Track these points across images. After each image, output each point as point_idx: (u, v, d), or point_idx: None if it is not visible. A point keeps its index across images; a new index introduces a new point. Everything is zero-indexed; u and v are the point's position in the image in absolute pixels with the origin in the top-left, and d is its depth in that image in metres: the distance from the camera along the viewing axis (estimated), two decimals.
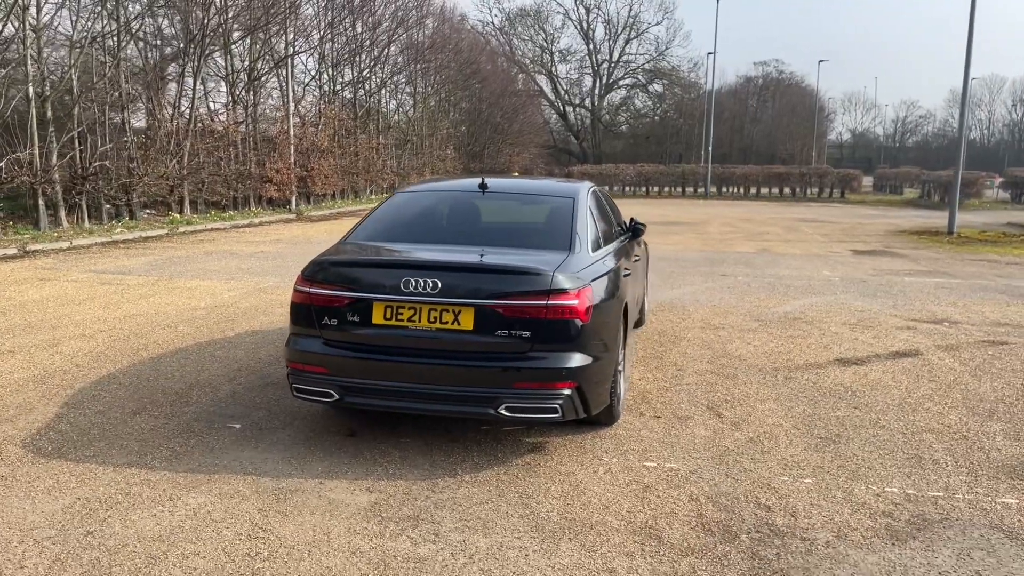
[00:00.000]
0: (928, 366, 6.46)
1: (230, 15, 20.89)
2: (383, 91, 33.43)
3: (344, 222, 20.57)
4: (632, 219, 6.62)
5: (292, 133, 23.98)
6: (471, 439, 4.58)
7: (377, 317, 4.12)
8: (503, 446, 4.50)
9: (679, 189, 43.72)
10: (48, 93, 16.12)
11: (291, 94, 24.09)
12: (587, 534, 3.47)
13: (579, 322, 4.04)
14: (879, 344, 7.24)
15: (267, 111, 25.68)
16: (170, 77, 20.26)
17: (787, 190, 42.13)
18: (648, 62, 68.61)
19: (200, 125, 20.16)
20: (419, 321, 4.07)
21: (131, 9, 18.26)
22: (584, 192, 5.33)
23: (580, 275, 4.23)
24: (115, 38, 17.82)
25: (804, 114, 67.87)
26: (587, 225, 4.90)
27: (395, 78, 34.66)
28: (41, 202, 15.55)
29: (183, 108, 19.82)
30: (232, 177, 21.44)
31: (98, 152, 16.88)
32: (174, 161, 18.60)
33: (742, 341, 7.28)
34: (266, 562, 3.16)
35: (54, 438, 4.50)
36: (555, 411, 4.04)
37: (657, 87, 69.60)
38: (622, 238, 5.93)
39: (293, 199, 24.26)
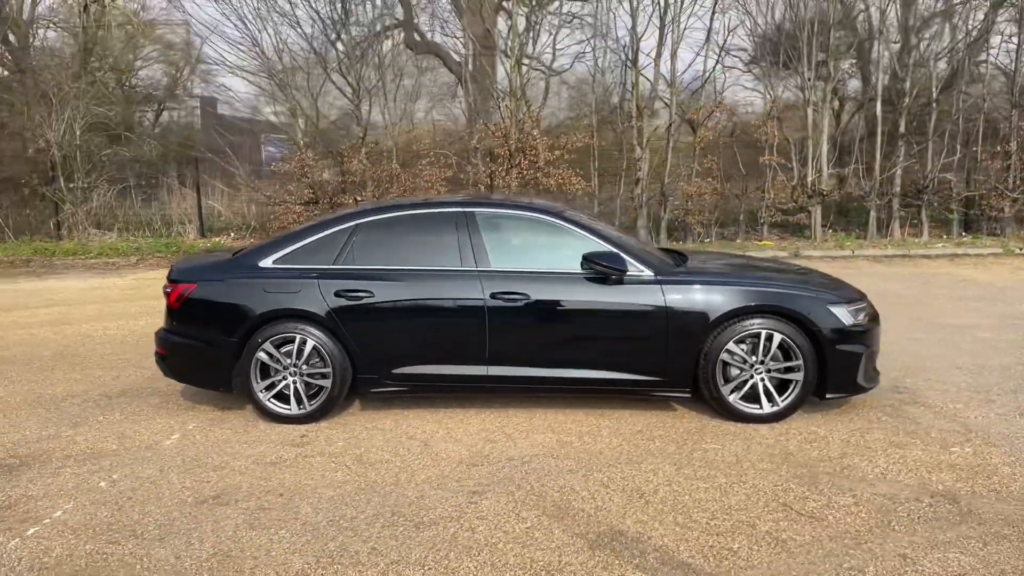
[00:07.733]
0: None
1: None
2: None
3: None
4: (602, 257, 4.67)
5: None
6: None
7: None
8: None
9: None
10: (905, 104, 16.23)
11: None
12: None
13: (170, 307, 4.94)
14: None
15: None
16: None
17: None
18: None
19: None
20: None
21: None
22: (355, 218, 4.97)
23: (190, 273, 4.96)
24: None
25: None
26: (298, 243, 4.90)
27: None
28: (873, 213, 16.21)
29: None
30: None
31: (938, 164, 15.95)
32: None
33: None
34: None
35: None
36: (159, 365, 5.06)
37: None
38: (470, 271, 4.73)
39: None
